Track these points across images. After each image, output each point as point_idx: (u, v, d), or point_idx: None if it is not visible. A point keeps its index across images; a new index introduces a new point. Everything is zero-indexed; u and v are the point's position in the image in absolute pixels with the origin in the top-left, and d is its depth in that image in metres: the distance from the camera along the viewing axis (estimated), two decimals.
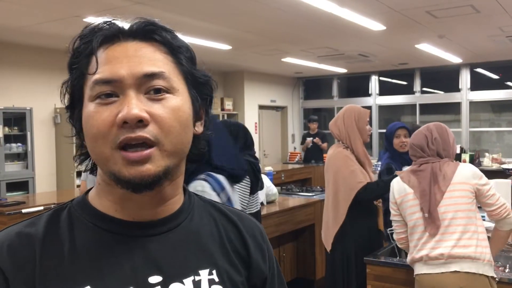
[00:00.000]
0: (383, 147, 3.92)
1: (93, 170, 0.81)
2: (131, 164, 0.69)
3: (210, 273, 0.78)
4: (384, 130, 11.23)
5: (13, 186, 6.81)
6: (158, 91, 0.71)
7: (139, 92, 0.71)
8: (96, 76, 0.71)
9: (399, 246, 2.66)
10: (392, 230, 2.98)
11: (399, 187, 2.51)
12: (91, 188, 0.81)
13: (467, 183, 2.34)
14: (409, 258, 2.45)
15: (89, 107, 0.71)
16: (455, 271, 2.25)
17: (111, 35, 0.74)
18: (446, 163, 2.42)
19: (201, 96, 0.80)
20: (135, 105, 0.68)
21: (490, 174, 4.15)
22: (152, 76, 0.71)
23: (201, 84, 0.80)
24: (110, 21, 0.75)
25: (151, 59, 0.73)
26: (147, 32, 0.75)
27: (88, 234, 0.74)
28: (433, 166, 2.42)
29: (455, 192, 2.34)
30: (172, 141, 0.72)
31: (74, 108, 0.76)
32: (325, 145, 8.89)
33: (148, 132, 0.69)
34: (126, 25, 0.75)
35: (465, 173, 2.36)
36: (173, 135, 0.72)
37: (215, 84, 0.83)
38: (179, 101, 0.73)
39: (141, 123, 0.69)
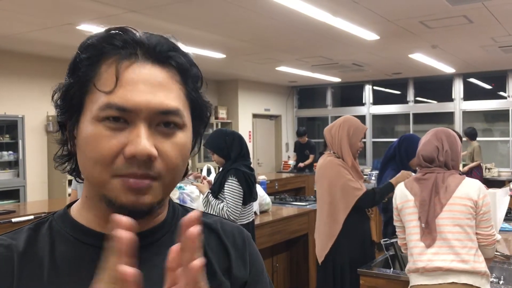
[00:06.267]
0: (385, 155, 3.78)
1: (74, 171, 0.78)
2: (131, 191, 0.68)
3: None
4: (378, 140, 11.30)
5: (4, 195, 6.74)
6: (168, 124, 0.70)
7: (150, 124, 0.69)
8: (111, 99, 0.67)
9: (403, 251, 2.63)
10: (386, 240, 2.97)
11: (401, 193, 2.49)
12: (75, 201, 0.79)
13: (470, 199, 2.28)
14: (406, 267, 2.44)
15: (93, 127, 0.68)
16: (453, 283, 2.23)
17: (129, 54, 0.69)
18: (451, 175, 2.38)
19: (200, 125, 0.79)
20: (147, 141, 0.67)
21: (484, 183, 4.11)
22: (167, 113, 0.70)
23: (203, 114, 0.79)
24: (125, 30, 0.71)
25: (168, 90, 0.70)
26: (168, 57, 0.72)
27: (69, 249, 0.72)
28: (437, 177, 2.38)
29: (455, 206, 2.30)
30: (173, 176, 0.72)
31: (70, 114, 0.72)
32: (311, 158, 9.47)
33: (153, 169, 0.68)
34: (143, 40, 0.71)
35: (469, 189, 2.31)
36: (175, 172, 0.72)
37: (211, 110, 0.82)
38: (185, 137, 0.73)
39: (148, 159, 0.68)
